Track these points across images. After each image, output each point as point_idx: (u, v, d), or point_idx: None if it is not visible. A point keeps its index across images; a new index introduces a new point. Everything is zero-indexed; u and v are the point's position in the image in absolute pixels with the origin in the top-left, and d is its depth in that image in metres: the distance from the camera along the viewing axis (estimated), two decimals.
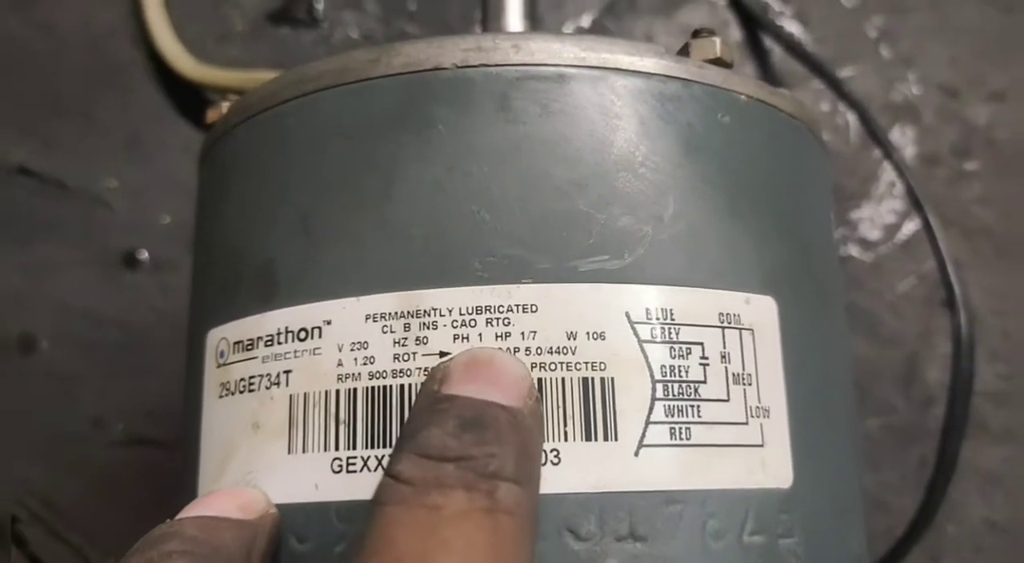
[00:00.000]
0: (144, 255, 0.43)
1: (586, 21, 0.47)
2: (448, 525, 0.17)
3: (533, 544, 0.19)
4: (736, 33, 0.46)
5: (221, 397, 0.24)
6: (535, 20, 0.35)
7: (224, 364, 0.24)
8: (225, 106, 0.27)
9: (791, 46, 0.45)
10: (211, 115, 0.27)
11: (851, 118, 0.45)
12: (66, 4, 0.47)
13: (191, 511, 0.21)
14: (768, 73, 0.46)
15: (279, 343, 0.23)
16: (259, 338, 0.23)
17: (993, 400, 0.42)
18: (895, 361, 0.42)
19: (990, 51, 0.46)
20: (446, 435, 0.19)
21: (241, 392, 0.23)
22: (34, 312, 0.43)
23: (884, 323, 0.43)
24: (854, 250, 0.44)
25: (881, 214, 0.44)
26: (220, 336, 0.24)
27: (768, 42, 0.46)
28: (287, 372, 0.22)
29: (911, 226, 0.44)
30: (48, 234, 0.44)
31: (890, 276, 0.43)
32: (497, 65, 0.23)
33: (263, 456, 0.22)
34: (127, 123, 0.45)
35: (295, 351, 0.22)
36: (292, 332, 0.23)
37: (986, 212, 0.44)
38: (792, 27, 0.46)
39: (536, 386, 0.21)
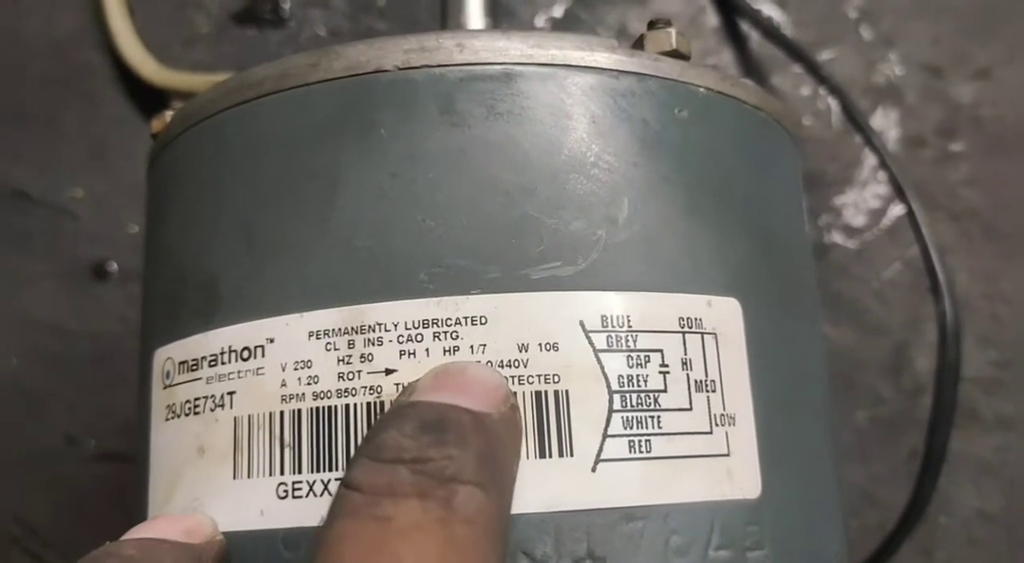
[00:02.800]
0: (113, 266, 0.42)
1: (558, 11, 0.45)
2: (398, 539, 0.16)
3: (502, 554, 0.18)
4: (712, 19, 0.45)
5: (167, 420, 0.23)
6: (496, 16, 0.33)
7: (170, 385, 0.23)
8: (169, 115, 0.26)
9: (769, 31, 0.44)
10: (155, 125, 0.26)
11: (832, 102, 0.44)
12: (28, 11, 0.46)
13: (134, 533, 0.20)
14: (746, 60, 0.45)
15: (223, 363, 0.22)
16: (203, 358, 0.22)
17: (985, 387, 0.41)
18: (882, 350, 0.41)
19: (973, 28, 0.45)
20: (403, 437, 0.18)
21: (187, 414, 0.22)
22: (2, 328, 0.42)
23: (870, 311, 0.42)
24: (838, 237, 0.43)
25: (865, 199, 0.43)
26: (166, 356, 0.24)
27: (745, 28, 0.45)
28: (231, 393, 0.22)
29: (896, 210, 0.43)
30: (13, 247, 0.43)
31: (876, 263, 0.42)
32: (440, 65, 0.22)
33: (209, 481, 0.21)
34: (92, 131, 0.44)
35: (238, 371, 0.22)
36: (235, 351, 0.22)
37: (974, 193, 0.43)
38: (770, 11, 0.45)
39: (513, 396, 0.20)
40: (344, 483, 0.17)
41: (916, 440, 0.39)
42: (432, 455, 0.17)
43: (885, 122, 0.44)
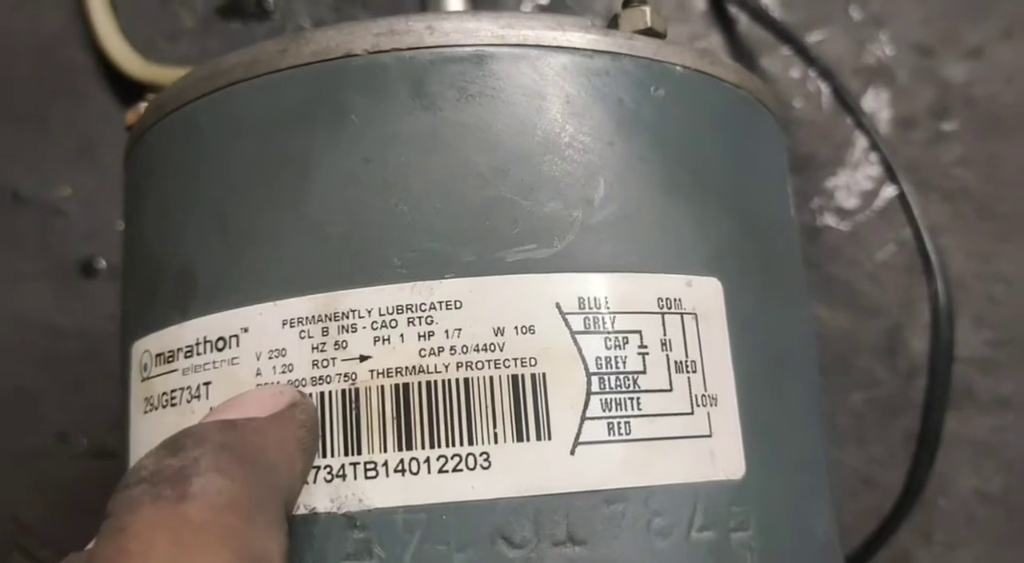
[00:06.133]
0: (101, 263, 0.42)
1: None
2: (131, 539, 0.16)
3: (260, 532, 0.17)
4: (700, 2, 0.45)
5: (146, 413, 0.23)
6: (480, 4, 0.33)
7: (148, 378, 0.23)
8: (143, 106, 0.26)
9: (757, 13, 0.43)
10: (130, 117, 0.26)
11: (822, 84, 0.43)
12: (12, 9, 0.46)
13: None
14: (734, 42, 0.44)
15: (198, 354, 0.22)
16: (179, 349, 0.22)
17: (981, 368, 0.41)
18: (877, 332, 0.41)
19: (964, 6, 0.44)
20: (146, 460, 0.18)
21: (164, 407, 0.22)
22: None
23: (864, 293, 0.41)
24: (831, 219, 0.42)
25: (858, 181, 0.43)
26: (143, 348, 0.23)
27: (733, 10, 0.44)
28: (207, 384, 0.21)
29: (889, 192, 0.42)
30: (2, 245, 0.43)
31: (869, 244, 0.42)
32: (410, 48, 0.22)
33: None
34: (79, 128, 0.44)
35: (213, 362, 0.21)
36: (210, 342, 0.21)
37: (967, 173, 0.43)
38: None
39: (304, 397, 0.20)
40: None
41: (912, 422, 0.39)
42: (168, 464, 0.17)
43: (876, 103, 0.44)
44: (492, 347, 0.20)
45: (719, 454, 0.21)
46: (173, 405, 0.22)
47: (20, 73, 0.45)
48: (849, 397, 0.40)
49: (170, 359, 0.22)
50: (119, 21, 0.44)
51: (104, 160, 0.44)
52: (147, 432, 0.23)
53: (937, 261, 0.36)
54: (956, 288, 0.39)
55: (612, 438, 0.20)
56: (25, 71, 0.45)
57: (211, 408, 0.20)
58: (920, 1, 0.45)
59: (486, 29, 0.22)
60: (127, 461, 0.24)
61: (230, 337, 0.21)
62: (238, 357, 0.21)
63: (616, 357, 0.20)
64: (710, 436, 0.21)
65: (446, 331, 0.20)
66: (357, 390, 0.20)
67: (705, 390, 0.21)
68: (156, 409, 0.22)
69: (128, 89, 0.44)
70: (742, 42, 0.44)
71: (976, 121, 0.43)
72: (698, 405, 0.21)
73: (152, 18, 0.45)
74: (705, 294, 0.22)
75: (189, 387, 0.22)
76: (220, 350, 0.21)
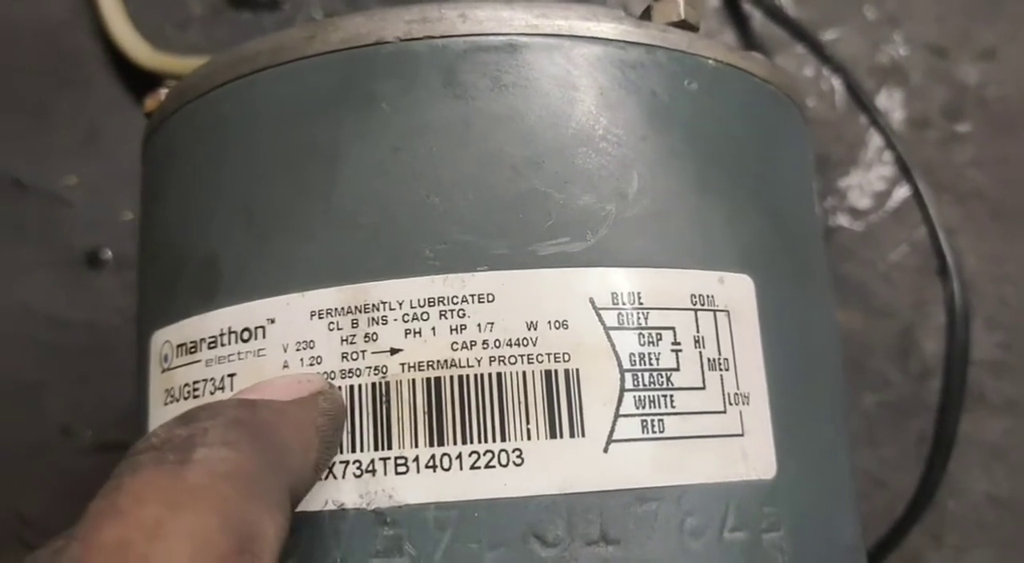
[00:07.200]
0: (107, 254, 0.42)
1: None
2: (124, 496, 0.15)
3: (260, 513, 0.16)
4: None
5: (167, 404, 0.22)
6: None
7: (168, 369, 0.23)
8: (163, 93, 0.25)
9: (772, 11, 0.43)
10: (149, 103, 0.26)
11: (836, 83, 0.43)
12: None
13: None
14: (748, 39, 0.44)
15: (222, 345, 0.21)
16: (202, 340, 0.22)
17: (993, 370, 0.40)
18: (889, 333, 0.41)
19: (978, 7, 0.44)
20: (158, 429, 0.17)
21: (186, 398, 0.22)
22: None
23: (877, 294, 0.41)
24: (844, 219, 0.42)
25: (871, 181, 0.43)
26: (164, 339, 0.23)
27: (748, 7, 0.44)
28: (231, 376, 0.21)
29: (902, 192, 0.42)
30: (7, 236, 0.42)
31: (882, 245, 0.42)
32: (443, 36, 0.21)
33: None
34: (85, 117, 0.44)
35: (239, 353, 0.21)
36: (235, 332, 0.21)
37: (980, 175, 0.43)
38: None
39: (332, 387, 0.19)
40: None
41: (924, 424, 0.39)
42: (177, 433, 0.17)
43: (890, 103, 0.43)
44: (525, 341, 0.20)
45: (751, 453, 0.21)
46: (196, 397, 0.21)
47: (26, 60, 0.45)
48: (861, 399, 0.40)
49: (192, 350, 0.22)
50: (127, 8, 0.44)
51: (110, 149, 0.43)
52: None
53: (953, 262, 0.36)
54: (968, 290, 0.39)
55: (646, 436, 0.20)
56: (31, 58, 0.44)
57: None
58: (934, 1, 0.44)
59: (520, 18, 0.21)
60: None
61: (256, 328, 0.21)
62: (264, 348, 0.21)
63: (650, 354, 0.20)
64: (742, 435, 0.21)
65: (478, 325, 0.20)
66: (387, 383, 0.19)
67: (737, 388, 0.21)
68: (177, 401, 0.22)
69: (135, 77, 0.43)
70: (756, 39, 0.44)
71: (989, 122, 0.43)
72: (730, 403, 0.21)
73: (161, 6, 0.45)
74: (737, 291, 0.22)
75: (212, 379, 0.21)
76: (245, 341, 0.21)
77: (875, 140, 0.43)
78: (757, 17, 0.44)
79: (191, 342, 0.22)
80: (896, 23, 0.44)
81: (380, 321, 0.20)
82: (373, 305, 0.20)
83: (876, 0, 0.44)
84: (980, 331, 0.40)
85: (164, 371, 0.23)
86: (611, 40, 0.22)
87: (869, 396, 0.40)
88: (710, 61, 0.23)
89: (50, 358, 0.41)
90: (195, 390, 0.22)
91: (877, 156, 0.43)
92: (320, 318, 0.20)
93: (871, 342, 0.41)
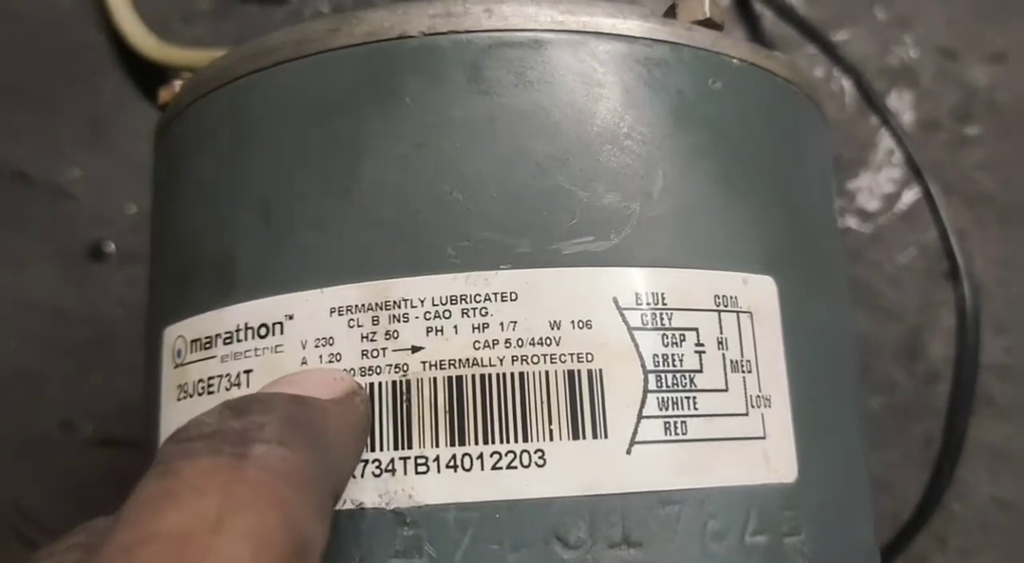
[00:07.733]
0: (111, 247, 0.41)
1: None
2: (181, 483, 0.15)
3: (312, 511, 0.16)
4: None
5: (179, 400, 0.22)
6: None
7: (181, 364, 0.22)
8: (178, 84, 0.25)
9: (783, 10, 0.43)
10: (163, 95, 0.25)
11: (846, 84, 0.43)
12: None
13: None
14: (759, 39, 0.44)
15: (239, 340, 0.21)
16: (217, 335, 0.21)
17: (999, 374, 0.40)
18: (897, 336, 0.41)
19: (989, 10, 0.44)
20: (206, 417, 0.17)
21: (200, 394, 0.21)
22: None
23: (884, 296, 0.41)
24: (852, 221, 0.42)
25: (879, 183, 0.42)
26: (177, 334, 0.23)
27: (759, 7, 0.44)
28: (248, 372, 0.21)
29: (911, 195, 0.42)
30: (10, 228, 0.42)
31: (890, 247, 0.42)
32: (468, 31, 0.21)
33: None
34: (90, 109, 0.43)
35: (255, 349, 0.21)
36: (252, 328, 0.21)
37: (989, 178, 0.42)
38: None
39: (361, 389, 0.19)
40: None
41: (931, 427, 0.39)
42: (231, 426, 0.16)
43: (900, 105, 0.43)
44: (548, 341, 0.19)
45: (773, 456, 0.21)
46: (210, 392, 0.21)
47: (31, 52, 0.44)
48: (868, 401, 0.40)
49: (207, 345, 0.22)
50: (134, 1, 0.43)
51: (115, 142, 0.43)
52: (181, 420, 0.22)
53: (964, 264, 0.36)
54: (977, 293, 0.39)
55: (669, 438, 0.19)
56: (36, 50, 0.44)
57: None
58: (945, 4, 0.44)
59: (545, 14, 0.21)
60: (154, 449, 0.23)
61: (274, 324, 0.20)
62: (282, 345, 0.20)
63: (673, 355, 0.20)
64: (764, 438, 0.21)
65: (501, 324, 0.19)
66: (408, 382, 0.19)
67: (760, 390, 0.21)
68: (191, 396, 0.22)
69: (141, 70, 0.43)
70: (767, 39, 0.44)
71: (999, 125, 0.43)
72: (753, 406, 0.21)
73: None
74: (760, 293, 0.21)
75: (228, 374, 0.21)
76: (263, 337, 0.21)
77: (885, 141, 0.42)
78: (768, 16, 0.44)
79: (206, 337, 0.22)
80: (906, 25, 0.44)
81: (401, 319, 0.20)
82: (394, 302, 0.20)
83: (886, 1, 0.44)
84: (987, 335, 0.40)
85: (177, 366, 0.22)
86: (636, 38, 0.22)
87: (876, 398, 0.40)
88: (735, 60, 0.23)
89: (52, 351, 0.40)
90: (210, 386, 0.21)
91: (887, 158, 0.43)
92: (340, 315, 0.20)
93: (878, 345, 0.40)
